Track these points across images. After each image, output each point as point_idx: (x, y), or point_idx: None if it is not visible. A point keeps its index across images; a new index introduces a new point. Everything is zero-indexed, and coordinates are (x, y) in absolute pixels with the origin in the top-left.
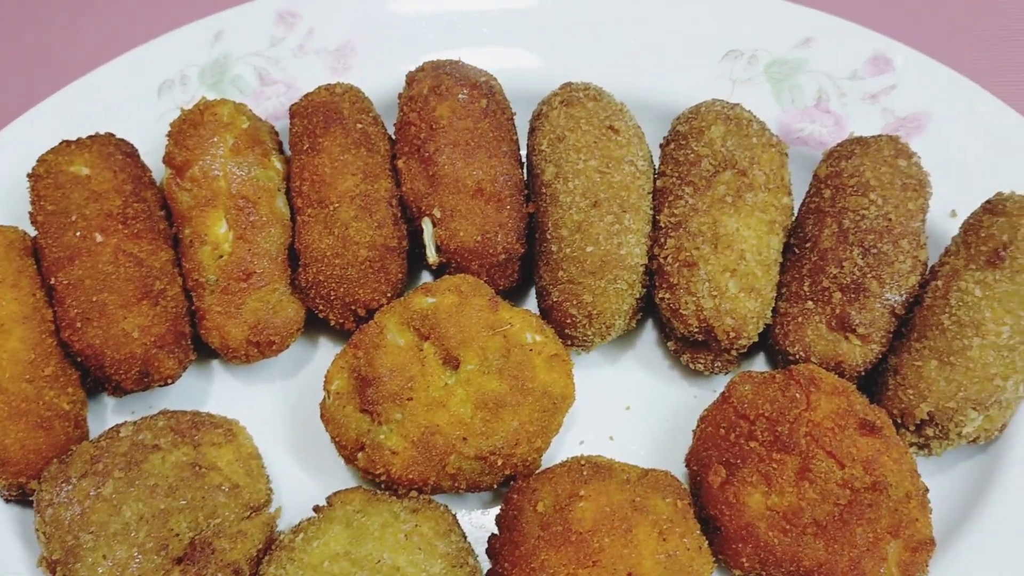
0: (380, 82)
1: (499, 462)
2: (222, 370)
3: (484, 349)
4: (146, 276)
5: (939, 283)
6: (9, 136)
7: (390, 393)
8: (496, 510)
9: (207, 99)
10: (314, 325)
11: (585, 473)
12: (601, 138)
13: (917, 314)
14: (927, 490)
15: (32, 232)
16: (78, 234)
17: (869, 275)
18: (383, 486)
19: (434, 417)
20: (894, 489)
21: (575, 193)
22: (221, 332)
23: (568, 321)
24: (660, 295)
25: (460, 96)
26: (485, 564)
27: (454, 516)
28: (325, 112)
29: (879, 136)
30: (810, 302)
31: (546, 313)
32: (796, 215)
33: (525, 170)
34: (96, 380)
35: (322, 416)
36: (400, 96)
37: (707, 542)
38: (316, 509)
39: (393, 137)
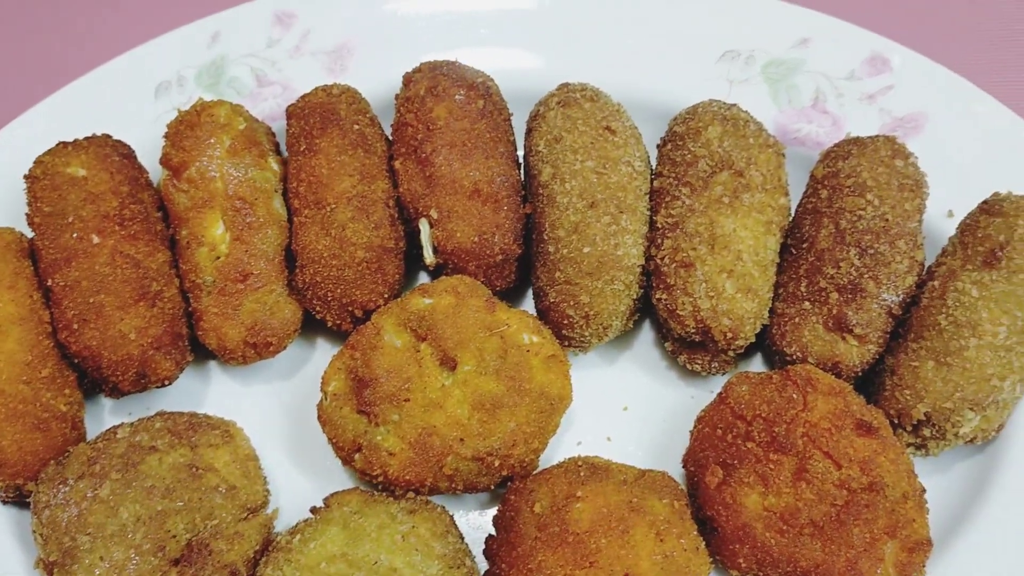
0: (377, 83)
1: (496, 463)
2: (219, 371)
3: (481, 350)
4: (143, 277)
5: (936, 283)
6: (6, 137)
7: (387, 394)
8: (494, 511)
9: (204, 100)
10: (311, 326)
11: (582, 474)
12: (598, 139)
13: (914, 314)
14: (924, 490)
15: (29, 233)
16: (75, 235)
17: (866, 275)
18: (380, 487)
19: (431, 418)
20: (891, 490)
21: (572, 194)
22: (218, 333)
23: (565, 322)
24: (657, 296)
25: (457, 97)
26: (483, 565)
27: (451, 517)
28: (322, 113)
29: (876, 136)
30: (807, 303)
31: (543, 314)
32: (793, 216)
33: (522, 171)
34: (93, 381)
35: (319, 417)
36: (397, 97)
37: (704, 543)
38: (313, 510)
39: (390, 138)
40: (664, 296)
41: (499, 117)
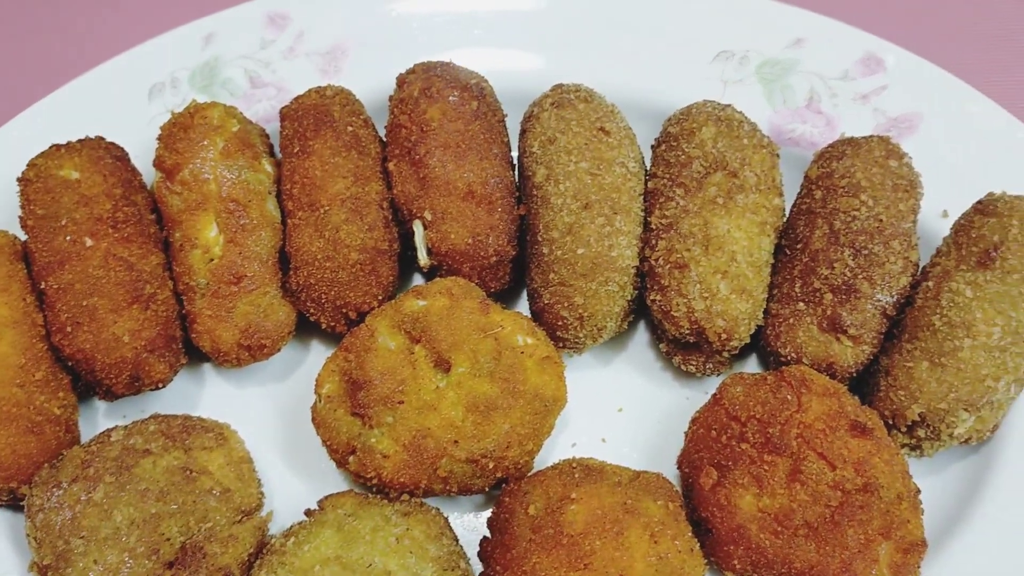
0: (371, 84)
1: (491, 465)
2: (213, 374)
3: (475, 352)
4: (136, 280)
5: (930, 284)
6: None
7: (381, 396)
8: (488, 513)
9: (197, 102)
10: (305, 328)
11: (576, 476)
12: (592, 140)
13: (908, 315)
14: (919, 491)
15: (22, 236)
16: (68, 238)
17: (860, 276)
18: (374, 489)
19: (425, 420)
20: (885, 490)
21: (566, 195)
22: (212, 336)
23: (560, 323)
24: (651, 297)
25: (451, 98)
26: (477, 567)
27: (446, 519)
28: (315, 115)
29: (870, 137)
30: (801, 303)
31: (538, 315)
32: (787, 216)
33: (516, 172)
34: (87, 384)
35: (313, 420)
36: (391, 98)
37: (699, 544)
38: (307, 513)
39: (384, 139)
40: (658, 297)
41: (493, 118)
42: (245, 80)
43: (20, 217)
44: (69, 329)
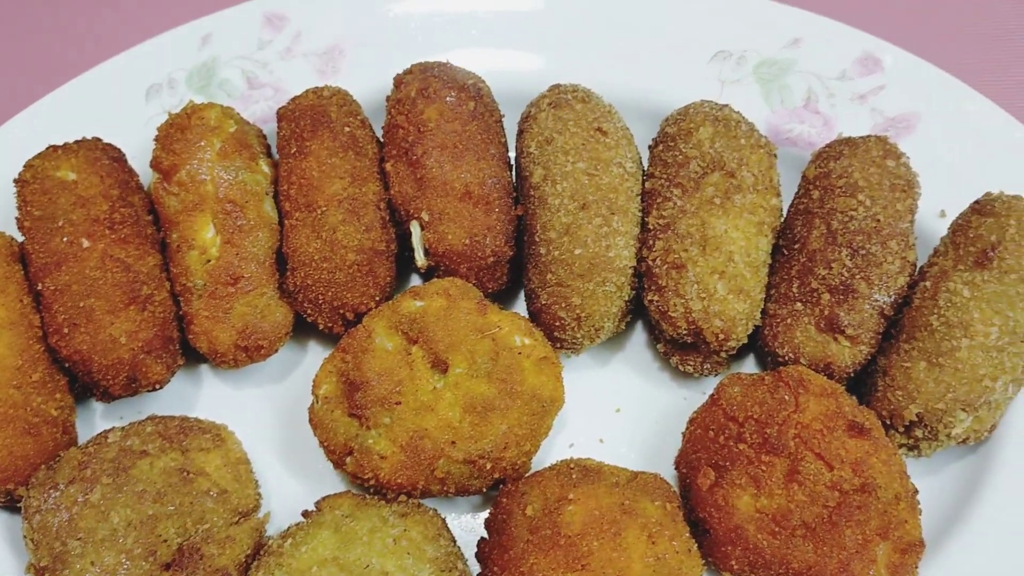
0: (368, 85)
1: (488, 466)
2: (211, 375)
3: (473, 352)
4: (133, 281)
5: (928, 284)
6: None
7: (378, 397)
8: (486, 514)
9: (194, 103)
10: (302, 329)
11: (574, 476)
12: (589, 140)
13: (906, 315)
14: (916, 491)
15: (19, 238)
16: (65, 239)
17: (858, 276)
18: (372, 490)
19: (422, 421)
20: (883, 491)
21: (563, 195)
22: (209, 337)
23: (557, 324)
24: (649, 297)
25: (448, 99)
26: (475, 568)
27: (443, 520)
28: (313, 115)
29: (868, 137)
30: (799, 303)
31: (535, 316)
32: (785, 216)
33: (514, 172)
34: (84, 386)
35: (310, 420)
36: (388, 99)
37: (696, 545)
38: (305, 514)
39: (381, 140)
40: (656, 298)
41: (490, 119)
42: (242, 81)
43: (17, 218)
44: (66, 330)
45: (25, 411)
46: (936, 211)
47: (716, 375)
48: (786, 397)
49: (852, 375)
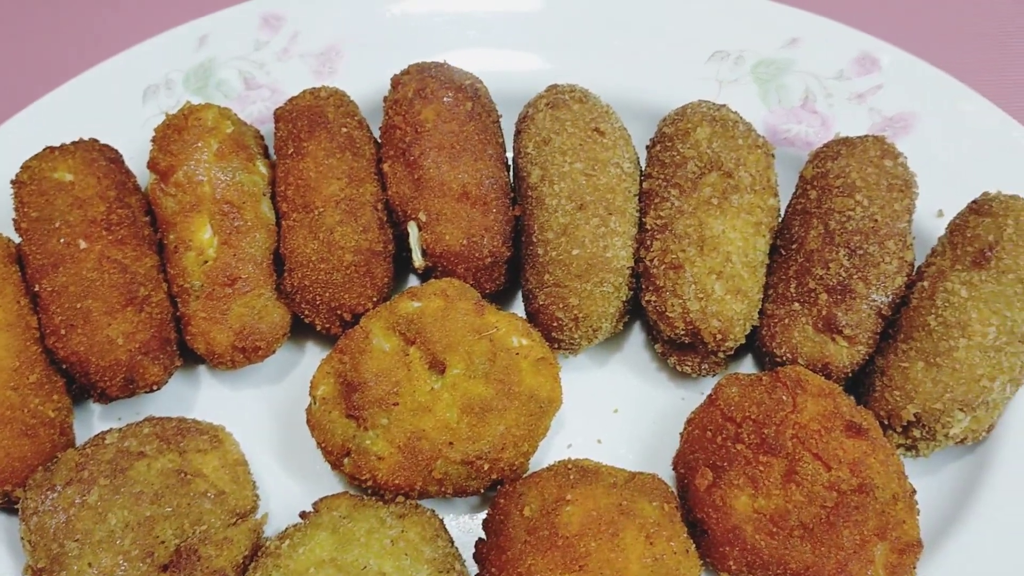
0: (365, 85)
1: (486, 467)
2: (208, 376)
3: (470, 353)
4: (130, 282)
5: (925, 284)
6: None
7: (376, 398)
8: (483, 515)
9: (191, 104)
10: (300, 330)
11: (572, 477)
12: (587, 140)
13: (903, 315)
14: (914, 492)
15: (16, 239)
16: (62, 241)
17: (855, 276)
18: (369, 491)
19: (420, 422)
20: (881, 491)
21: (561, 196)
22: (206, 338)
23: (555, 324)
24: (646, 298)
25: (445, 99)
26: (473, 569)
27: (441, 521)
28: (310, 116)
29: (865, 136)
30: (796, 304)
31: (533, 316)
32: (782, 216)
33: (511, 173)
34: (81, 387)
35: (308, 422)
36: (385, 99)
37: (694, 545)
38: (302, 515)
39: (378, 140)
40: (653, 298)
41: (488, 119)
42: (239, 81)
43: (14, 220)
44: (63, 332)
45: (22, 412)
46: (934, 211)
47: (714, 375)
48: (784, 397)
49: (850, 375)
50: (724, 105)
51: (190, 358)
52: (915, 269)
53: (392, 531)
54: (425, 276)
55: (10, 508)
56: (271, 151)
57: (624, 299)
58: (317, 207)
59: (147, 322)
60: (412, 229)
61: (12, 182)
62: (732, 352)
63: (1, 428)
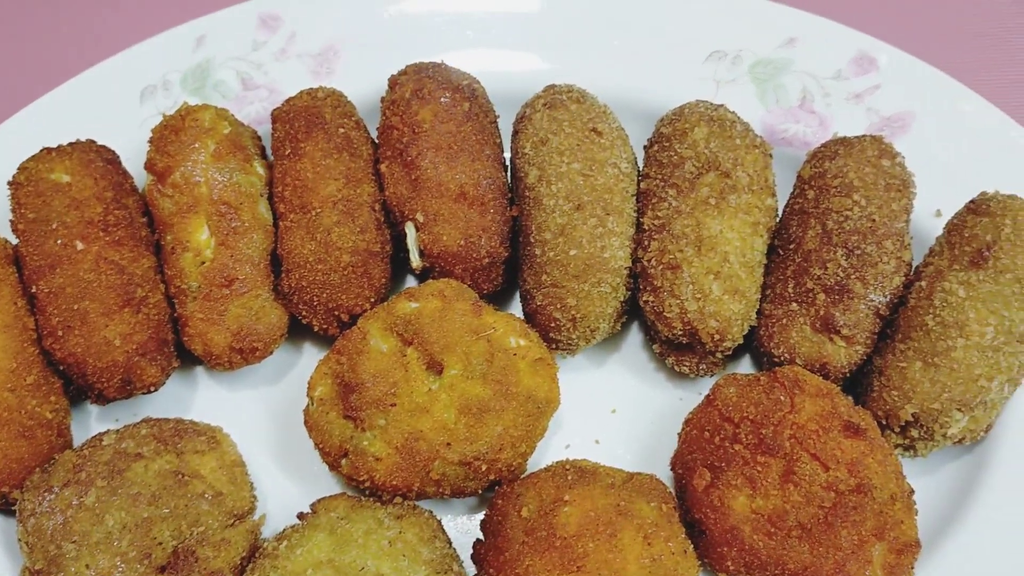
0: (363, 86)
1: (484, 467)
2: (206, 377)
3: (468, 354)
4: (128, 283)
5: (923, 284)
6: None
7: (373, 399)
8: (481, 515)
9: (189, 104)
10: (297, 331)
11: (570, 478)
12: (584, 140)
13: (901, 315)
14: (912, 492)
15: (13, 240)
16: (59, 242)
17: (853, 276)
18: (367, 492)
19: (418, 423)
20: (879, 491)
21: (558, 196)
22: (204, 339)
23: (552, 325)
24: (644, 298)
25: (442, 99)
26: (471, 569)
27: (439, 522)
28: (307, 117)
29: (863, 136)
30: (794, 304)
31: (530, 317)
32: (780, 216)
33: (509, 173)
34: (79, 388)
35: (306, 422)
36: (383, 100)
37: (692, 546)
38: (300, 516)
39: (376, 141)
40: (651, 298)
41: (485, 119)
42: (237, 82)
43: (11, 221)
44: (60, 333)
45: (20, 414)
46: (932, 211)
47: (712, 376)
48: (782, 398)
49: (848, 375)
50: (722, 105)
51: (187, 359)
52: (913, 269)
53: (390, 532)
54: (423, 277)
55: (7, 510)
56: (268, 152)
57: (622, 299)
58: (314, 208)
59: (144, 323)
60: (410, 230)
61: (9, 183)
62: (730, 352)
63: None
